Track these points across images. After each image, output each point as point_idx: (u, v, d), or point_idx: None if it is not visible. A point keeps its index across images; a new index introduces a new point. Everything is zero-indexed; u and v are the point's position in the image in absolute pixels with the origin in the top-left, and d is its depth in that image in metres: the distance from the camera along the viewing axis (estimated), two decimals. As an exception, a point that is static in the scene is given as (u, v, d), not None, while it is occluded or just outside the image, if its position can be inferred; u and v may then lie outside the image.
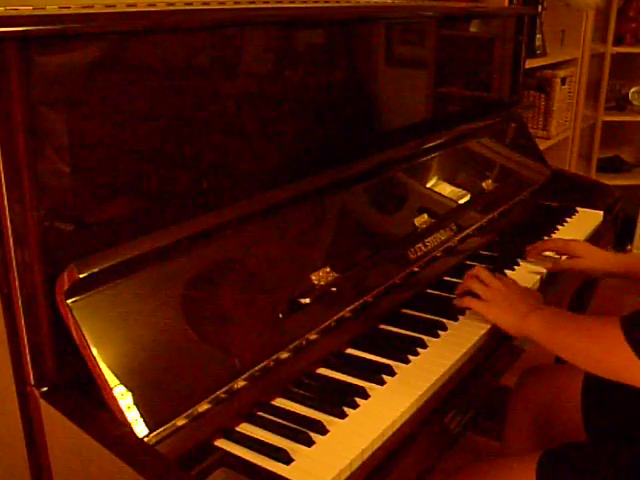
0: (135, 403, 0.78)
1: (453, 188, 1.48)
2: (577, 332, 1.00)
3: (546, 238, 1.53)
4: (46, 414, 0.79)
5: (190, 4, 1.03)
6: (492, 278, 1.17)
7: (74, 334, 0.77)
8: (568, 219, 1.71)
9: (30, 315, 0.78)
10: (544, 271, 1.37)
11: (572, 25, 2.86)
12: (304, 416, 0.90)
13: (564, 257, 1.41)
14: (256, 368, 0.91)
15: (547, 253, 1.43)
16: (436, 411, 0.96)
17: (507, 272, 1.35)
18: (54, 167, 0.79)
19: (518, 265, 1.39)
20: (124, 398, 0.77)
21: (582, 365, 1.01)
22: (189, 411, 0.82)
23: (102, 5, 0.92)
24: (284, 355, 0.96)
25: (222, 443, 0.85)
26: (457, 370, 1.03)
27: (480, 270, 1.19)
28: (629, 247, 3.32)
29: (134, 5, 0.96)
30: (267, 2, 1.22)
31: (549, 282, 1.37)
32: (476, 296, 1.15)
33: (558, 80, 2.68)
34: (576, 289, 1.72)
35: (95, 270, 0.79)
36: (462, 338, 1.09)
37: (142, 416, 0.77)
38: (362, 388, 0.95)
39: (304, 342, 0.99)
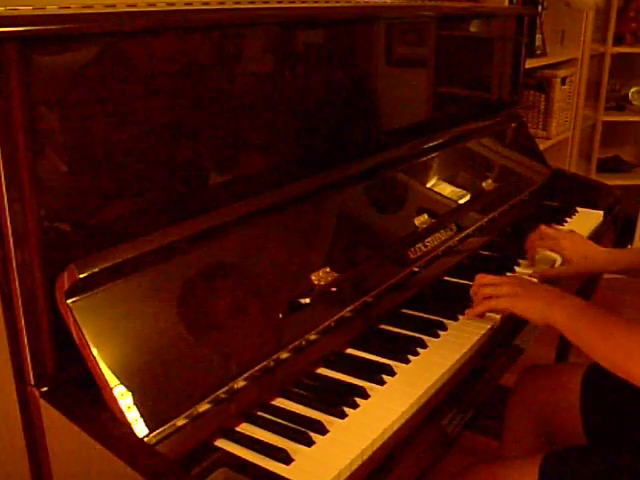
0: (135, 403, 0.78)
1: (453, 188, 1.48)
2: (603, 334, 0.97)
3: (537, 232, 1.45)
4: (46, 414, 0.79)
5: (190, 4, 1.03)
6: (498, 277, 1.14)
7: (74, 334, 0.77)
8: (568, 219, 1.71)
9: (30, 315, 0.77)
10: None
11: (572, 25, 2.86)
12: (304, 416, 0.90)
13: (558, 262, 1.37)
14: (256, 368, 0.91)
15: (543, 254, 1.40)
16: (436, 411, 0.95)
17: (507, 274, 1.35)
18: (54, 167, 0.79)
19: (518, 265, 1.39)
20: (124, 398, 0.77)
21: (602, 364, 0.98)
22: (189, 411, 0.82)
23: (102, 5, 0.92)
24: (284, 355, 0.96)
25: (222, 443, 0.85)
26: (457, 370, 1.03)
27: (481, 277, 1.15)
28: (629, 247, 3.32)
29: (134, 5, 0.96)
30: (267, 2, 1.22)
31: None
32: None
33: (558, 80, 2.68)
34: (575, 290, 1.71)
35: (95, 270, 0.79)
36: (462, 338, 1.09)
37: (142, 416, 0.77)
38: (362, 388, 0.95)
39: (304, 342, 0.99)
